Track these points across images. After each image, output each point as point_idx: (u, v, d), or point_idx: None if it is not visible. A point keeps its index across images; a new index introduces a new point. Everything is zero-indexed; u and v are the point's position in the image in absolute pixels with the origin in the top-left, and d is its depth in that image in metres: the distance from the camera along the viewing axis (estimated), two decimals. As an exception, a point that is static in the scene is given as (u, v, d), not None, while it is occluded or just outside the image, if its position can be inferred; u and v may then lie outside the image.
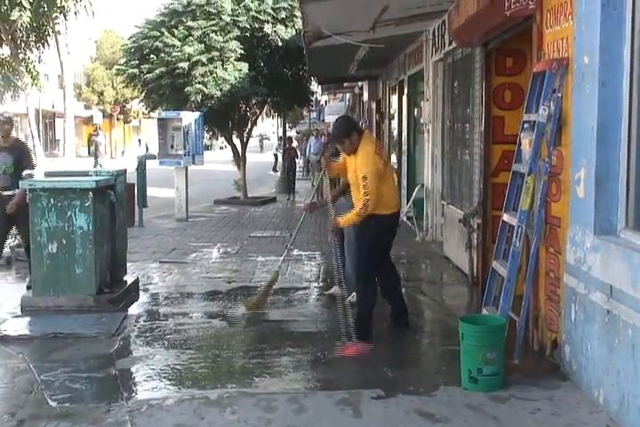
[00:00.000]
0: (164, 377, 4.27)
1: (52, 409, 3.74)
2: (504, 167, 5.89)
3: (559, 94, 4.16)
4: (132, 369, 4.45)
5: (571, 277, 3.96)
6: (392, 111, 14.13)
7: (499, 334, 3.99)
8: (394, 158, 13.70)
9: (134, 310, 5.89)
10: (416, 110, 11.25)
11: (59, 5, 9.36)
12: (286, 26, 13.88)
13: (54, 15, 9.66)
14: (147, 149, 38.62)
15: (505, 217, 4.76)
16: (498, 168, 6.17)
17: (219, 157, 31.26)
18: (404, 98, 12.18)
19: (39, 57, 10.23)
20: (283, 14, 13.86)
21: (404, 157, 12.06)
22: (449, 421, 3.52)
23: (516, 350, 4.30)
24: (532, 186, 4.36)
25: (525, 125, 4.59)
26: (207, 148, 21.00)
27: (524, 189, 4.40)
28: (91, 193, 5.75)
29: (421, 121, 9.96)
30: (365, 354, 4.59)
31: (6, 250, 8.10)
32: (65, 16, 9.70)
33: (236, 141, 15.46)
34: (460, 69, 7.77)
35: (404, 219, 9.82)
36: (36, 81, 10.39)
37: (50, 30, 9.86)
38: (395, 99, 13.63)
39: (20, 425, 3.55)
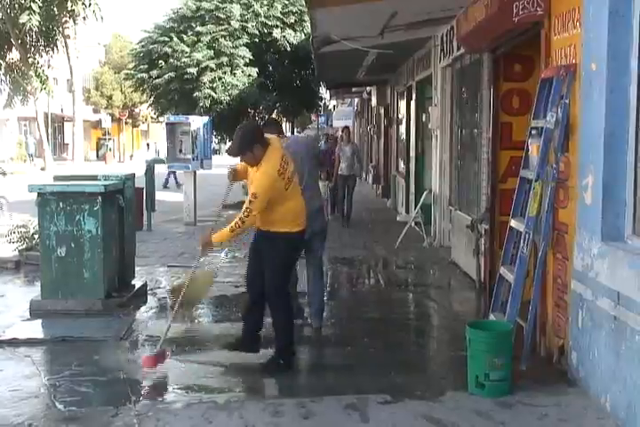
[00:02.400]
0: (172, 381, 4.30)
1: (60, 413, 3.76)
2: (512, 173, 5.88)
3: (567, 101, 4.17)
4: (140, 373, 4.46)
5: (578, 283, 3.96)
6: (400, 116, 14.14)
7: (506, 340, 3.99)
8: (401, 164, 13.73)
9: (142, 314, 5.91)
10: (424, 116, 11.25)
11: (68, 9, 9.41)
12: (295, 30, 13.95)
13: (64, 19, 9.72)
14: (157, 153, 38.79)
15: (512, 223, 4.76)
16: (505, 174, 6.17)
17: (227, 162, 31.30)
18: (413, 103, 12.19)
19: (48, 61, 10.28)
20: (292, 19, 13.94)
21: (412, 163, 12.06)
22: (456, 426, 3.52)
23: (523, 355, 4.30)
24: (540, 192, 4.36)
25: (533, 132, 4.59)
26: (215, 152, 21.03)
27: (531, 195, 4.40)
28: (99, 197, 5.78)
29: (429, 126, 9.96)
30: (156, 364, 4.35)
31: (15, 253, 8.18)
32: (74, 20, 9.77)
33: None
34: (468, 75, 7.78)
35: (412, 224, 9.82)
36: (45, 85, 10.46)
37: (59, 35, 9.91)
38: (403, 104, 13.64)
39: (28, 429, 3.58)
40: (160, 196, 11.55)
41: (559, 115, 4.20)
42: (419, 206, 9.95)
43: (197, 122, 12.25)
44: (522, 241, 4.44)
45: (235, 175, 4.70)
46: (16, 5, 8.84)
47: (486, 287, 6.32)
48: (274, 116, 16.52)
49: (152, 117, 39.28)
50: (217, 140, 17.55)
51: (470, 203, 7.50)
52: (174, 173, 19.70)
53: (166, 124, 12.81)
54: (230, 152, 4.47)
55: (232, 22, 13.38)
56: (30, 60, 9.59)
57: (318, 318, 5.48)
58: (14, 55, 10.12)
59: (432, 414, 3.66)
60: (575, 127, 4.10)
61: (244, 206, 4.31)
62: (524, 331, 4.37)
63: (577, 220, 4.02)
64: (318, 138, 27.16)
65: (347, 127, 13.25)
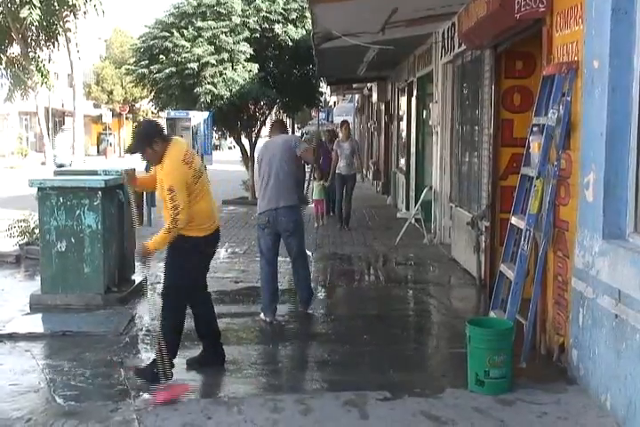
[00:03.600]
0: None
1: (59, 407, 3.77)
2: (513, 170, 5.88)
3: (568, 98, 4.16)
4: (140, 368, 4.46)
5: (579, 281, 3.96)
6: (401, 113, 14.12)
7: (506, 338, 3.99)
8: (402, 161, 13.71)
9: (142, 309, 5.91)
10: (425, 112, 11.24)
11: (69, 4, 9.39)
12: (297, 26, 13.89)
13: (64, 14, 9.68)
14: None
15: (513, 220, 4.76)
16: (506, 171, 6.17)
17: (227, 158, 31.31)
18: (413, 100, 12.17)
19: (49, 56, 10.27)
20: (293, 15, 13.87)
21: (413, 159, 12.05)
22: (455, 423, 3.52)
23: (523, 353, 4.30)
24: (541, 189, 4.35)
25: (534, 129, 4.58)
26: (216, 148, 21.03)
27: (532, 192, 4.40)
28: (100, 192, 5.78)
29: (430, 123, 9.95)
30: (181, 394, 3.92)
31: (15, 248, 8.18)
32: (75, 15, 9.72)
33: (245, 142, 15.48)
34: (469, 72, 7.76)
35: (412, 221, 9.82)
36: (45, 80, 10.43)
37: (60, 29, 9.89)
38: (404, 100, 13.62)
39: (27, 423, 3.58)
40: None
41: (561, 112, 4.19)
42: (419, 203, 9.94)
43: (198, 117, 12.24)
44: (522, 238, 4.43)
45: (131, 179, 4.36)
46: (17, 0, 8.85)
47: (486, 285, 6.32)
48: (274, 111, 16.48)
49: (152, 112, 39.23)
50: (217, 136, 17.54)
51: (471, 200, 7.49)
52: None
53: (167, 119, 12.80)
54: (129, 149, 4.25)
55: (233, 18, 13.33)
56: (31, 54, 9.57)
57: (306, 303, 5.85)
58: (15, 50, 10.11)
59: (431, 411, 3.67)
60: (577, 125, 4.09)
61: (168, 205, 4.00)
62: (525, 329, 4.37)
63: (578, 217, 4.01)
64: (319, 134, 27.03)
65: (345, 122, 12.04)
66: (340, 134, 11.78)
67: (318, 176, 11.16)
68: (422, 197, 9.84)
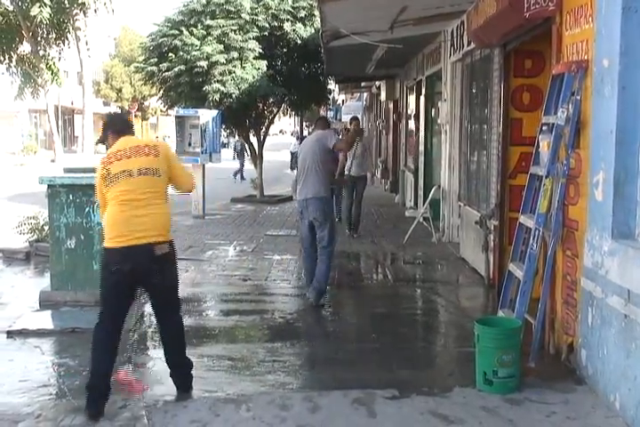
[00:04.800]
0: (180, 374, 4.31)
1: (69, 403, 3.80)
2: (522, 169, 5.87)
3: (578, 97, 4.15)
4: (148, 365, 4.51)
5: (588, 280, 3.95)
6: (409, 111, 14.10)
7: (514, 337, 3.99)
8: (410, 159, 13.69)
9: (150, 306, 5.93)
10: (433, 111, 11.22)
11: (79, 2, 9.43)
12: (305, 24, 13.89)
13: (74, 12, 9.72)
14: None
15: (522, 219, 4.75)
16: (515, 170, 6.15)
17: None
18: (422, 98, 12.14)
19: (59, 54, 10.32)
20: (302, 13, 13.88)
21: (421, 158, 12.03)
22: (463, 422, 3.52)
23: (532, 353, 4.29)
24: (550, 188, 4.35)
25: (544, 128, 4.57)
26: (224, 145, 21.05)
27: (541, 191, 4.39)
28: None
29: (439, 121, 9.93)
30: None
31: (25, 245, 8.23)
32: (85, 13, 9.77)
33: (253, 140, 15.50)
34: (478, 70, 7.75)
35: (421, 220, 9.81)
36: (56, 77, 10.48)
37: (70, 27, 9.93)
38: (412, 99, 13.60)
39: (37, 419, 3.61)
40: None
41: (570, 111, 4.18)
42: (427, 202, 9.93)
43: (206, 115, 12.26)
44: (531, 238, 4.42)
45: None
46: (27, -2, 8.94)
47: (495, 284, 6.31)
48: (282, 109, 16.45)
49: (161, 110, 39.31)
50: (226, 134, 17.55)
51: (479, 199, 7.48)
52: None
53: (176, 117, 12.83)
54: (98, 140, 4.23)
55: (242, 15, 13.35)
56: (41, 52, 9.63)
57: (317, 296, 5.99)
58: (25, 48, 10.17)
59: (439, 409, 3.67)
60: (586, 123, 4.07)
61: None
62: (533, 328, 4.36)
63: (588, 217, 4.00)
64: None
65: (355, 118, 10.93)
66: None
67: None
68: (431, 195, 9.83)
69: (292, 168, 25.28)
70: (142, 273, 3.75)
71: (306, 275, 6.41)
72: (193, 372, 4.04)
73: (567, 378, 4.07)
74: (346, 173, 9.91)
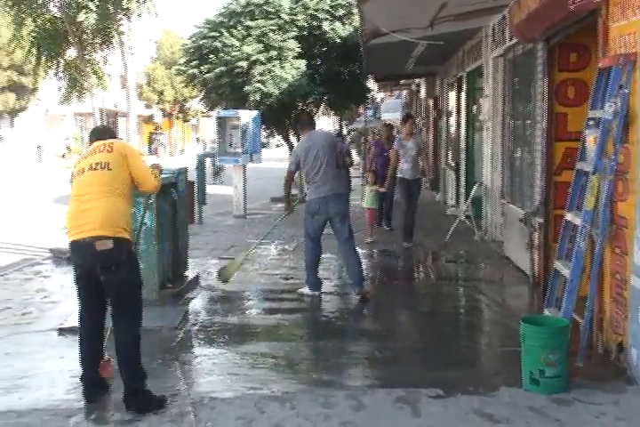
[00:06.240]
0: (225, 371, 4.37)
1: (116, 399, 3.86)
2: (567, 165, 5.76)
3: (626, 90, 4.05)
4: (194, 362, 4.56)
5: (638, 278, 3.86)
6: (450, 108, 13.97)
7: (561, 336, 3.91)
8: (451, 157, 13.56)
9: (195, 304, 6.02)
10: (475, 107, 11.10)
11: (123, 7, 9.63)
12: (344, 23, 13.90)
13: (118, 17, 9.92)
14: (204, 146, 39.31)
15: (568, 216, 4.66)
16: (560, 166, 6.04)
17: (275, 155, 31.54)
18: (463, 95, 12.02)
19: (105, 58, 10.56)
20: (340, 12, 13.89)
21: (462, 155, 11.91)
22: (510, 422, 3.48)
23: (580, 352, 4.21)
24: (597, 185, 4.26)
25: (590, 122, 4.48)
26: (263, 145, 21.20)
27: (588, 188, 4.30)
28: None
29: (480, 118, 9.81)
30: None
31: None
32: (129, 18, 9.95)
33: (293, 139, 15.57)
34: (520, 65, 7.63)
35: (463, 218, 9.71)
36: (101, 81, 10.72)
37: (114, 32, 10.14)
38: (453, 96, 13.48)
39: (87, 414, 3.70)
40: (210, 189, 11.70)
41: (618, 105, 4.08)
42: (469, 200, 9.83)
43: (247, 116, 12.36)
44: (578, 235, 4.34)
45: None
46: (74, 4, 9.10)
47: (540, 282, 6.21)
48: (321, 109, 16.50)
49: (202, 112, 39.73)
50: (266, 134, 17.67)
51: (523, 196, 7.37)
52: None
53: (217, 118, 12.97)
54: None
55: (281, 15, 13.43)
56: (87, 57, 9.86)
57: (358, 286, 6.17)
58: (72, 53, 10.45)
59: (485, 409, 3.63)
60: (635, 118, 3.98)
61: None
62: (581, 327, 4.28)
63: (637, 213, 3.90)
64: (365, 131, 26.75)
65: (410, 117, 9.70)
66: (403, 131, 9.37)
67: (371, 180, 9.56)
68: (473, 193, 9.72)
69: None
70: (90, 268, 3.72)
71: (313, 273, 6.27)
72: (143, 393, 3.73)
73: (617, 378, 3.99)
74: (399, 175, 8.98)
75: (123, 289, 3.79)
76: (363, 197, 9.69)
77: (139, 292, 3.91)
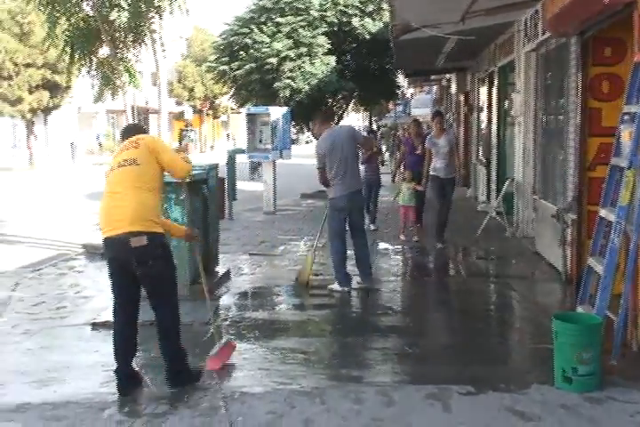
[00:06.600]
0: (255, 366, 4.40)
1: (151, 392, 3.93)
2: (601, 161, 5.68)
3: (663, 84, 3.98)
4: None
5: (674, 275, 3.79)
6: (481, 104, 13.84)
7: (595, 334, 3.86)
8: (482, 152, 13.44)
9: (226, 300, 6.07)
10: (506, 102, 10.97)
11: (155, 5, 9.71)
12: (374, 19, 13.86)
13: (150, 15, 10.01)
14: (234, 143, 39.56)
15: (602, 213, 4.60)
16: (594, 162, 5.96)
17: (305, 152, 31.58)
18: (494, 90, 11.90)
19: (137, 56, 10.66)
20: (370, 7, 13.85)
21: (494, 151, 11.80)
22: (542, 420, 3.45)
23: (614, 350, 4.15)
24: (633, 180, 4.19)
25: (625, 117, 4.41)
26: (293, 142, 21.28)
27: (623, 183, 4.23)
28: (185, 187, 5.93)
29: (512, 113, 9.70)
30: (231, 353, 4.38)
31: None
32: (160, 15, 10.04)
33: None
34: (553, 60, 7.53)
35: (494, 214, 9.62)
36: (133, 79, 10.83)
37: (146, 30, 10.24)
38: (484, 91, 13.35)
39: (120, 407, 3.76)
40: (240, 185, 11.77)
41: (654, 99, 4.01)
42: (500, 196, 9.74)
43: (276, 112, 12.40)
44: (612, 231, 4.28)
45: None
46: (106, 3, 9.22)
47: (572, 279, 6.14)
48: (351, 105, 16.47)
49: (232, 109, 39.98)
50: (295, 131, 17.71)
51: (556, 192, 7.28)
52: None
53: (246, 114, 13.03)
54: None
55: (311, 12, 13.44)
56: (119, 55, 9.98)
57: (369, 278, 6.35)
58: (104, 51, 10.58)
59: (517, 407, 3.60)
60: (672, 112, 3.90)
61: None
62: (615, 325, 4.22)
63: (673, 209, 3.83)
64: (395, 126, 26.54)
65: (439, 113, 9.55)
66: (433, 128, 9.16)
67: (408, 177, 9.17)
68: (504, 189, 9.63)
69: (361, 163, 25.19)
70: (125, 263, 3.85)
71: (343, 270, 6.29)
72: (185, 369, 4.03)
73: (652, 377, 3.93)
74: (432, 173, 8.66)
75: (159, 281, 3.94)
76: (398, 195, 9.48)
77: (174, 281, 4.04)
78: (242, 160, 11.94)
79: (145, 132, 4.40)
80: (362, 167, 7.51)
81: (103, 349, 4.74)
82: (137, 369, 4.07)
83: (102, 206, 3.95)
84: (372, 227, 9.74)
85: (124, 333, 4.02)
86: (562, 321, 3.90)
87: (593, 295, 4.50)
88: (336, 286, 6.28)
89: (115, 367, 4.00)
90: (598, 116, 5.92)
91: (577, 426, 3.41)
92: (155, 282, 3.91)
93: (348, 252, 6.43)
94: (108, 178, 4.00)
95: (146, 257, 3.80)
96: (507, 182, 9.60)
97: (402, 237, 9.04)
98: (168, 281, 3.98)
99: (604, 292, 4.22)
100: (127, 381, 3.96)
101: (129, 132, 4.32)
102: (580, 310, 4.64)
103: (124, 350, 4.01)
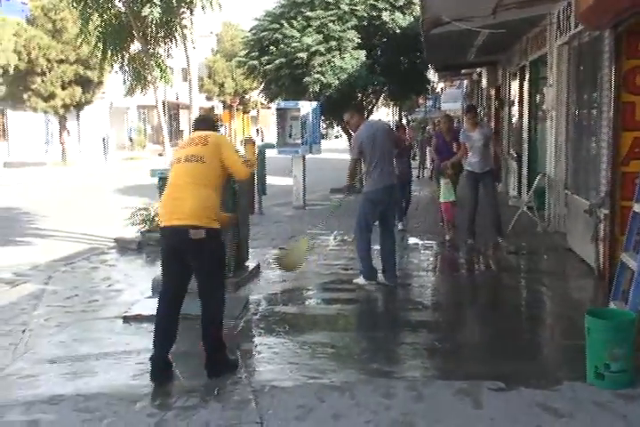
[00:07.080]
0: (285, 360, 4.43)
1: (181, 385, 3.98)
2: (635, 155, 5.59)
3: (700, 77, 3.89)
4: (255, 351, 4.65)
5: None
6: (512, 98, 13.69)
7: (628, 330, 3.81)
8: (512, 146, 13.28)
9: (256, 294, 6.11)
10: (538, 97, 10.83)
11: (187, 1, 9.79)
12: (404, 13, 13.77)
13: (181, 11, 10.09)
14: (262, 137, 39.60)
15: (636, 208, 4.53)
16: (628, 156, 5.84)
17: (334, 146, 31.56)
18: (525, 84, 11.76)
19: (168, 51, 10.76)
20: (400, 2, 13.76)
21: (525, 145, 11.67)
22: (573, 417, 3.42)
23: (647, 347, 4.09)
24: (668, 175, 4.11)
25: (661, 111, 4.33)
26: (323, 136, 21.30)
27: (658, 178, 4.16)
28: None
29: (544, 107, 9.58)
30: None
31: (137, 235, 8.67)
32: (191, 11, 10.10)
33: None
34: (586, 53, 7.41)
35: (525, 209, 9.52)
36: (164, 74, 10.93)
37: (177, 25, 10.32)
38: (515, 85, 13.19)
39: (152, 399, 3.81)
40: (270, 180, 11.81)
41: (691, 92, 3.93)
42: (532, 190, 9.63)
43: (306, 107, 12.40)
44: (647, 227, 4.21)
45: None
46: (138, -1, 9.40)
47: (605, 275, 6.05)
48: (381, 99, 16.38)
49: (262, 103, 40.07)
50: (325, 125, 17.69)
51: (588, 187, 7.18)
52: None
53: (277, 109, 13.06)
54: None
55: (341, 6, 13.40)
56: (150, 50, 10.09)
57: (393, 279, 6.26)
58: (135, 46, 10.70)
59: (548, 403, 3.58)
60: None
61: None
62: (648, 321, 4.15)
63: None
64: (425, 121, 26.32)
65: (472, 108, 9.18)
66: (465, 122, 8.87)
67: (448, 172, 8.75)
68: (535, 184, 9.52)
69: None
70: (181, 253, 4.01)
71: (369, 263, 6.28)
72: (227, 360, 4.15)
73: (687, 375, 3.86)
74: (467, 168, 8.46)
75: (210, 273, 4.09)
76: (437, 191, 9.13)
77: (224, 275, 4.29)
78: (271, 155, 11.96)
79: (216, 124, 4.57)
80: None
81: (134, 342, 4.82)
82: (171, 361, 4.13)
83: (165, 197, 4.11)
84: (400, 226, 9.20)
85: (167, 321, 4.13)
86: (595, 317, 3.86)
87: (626, 291, 4.44)
88: (361, 280, 6.28)
89: (150, 355, 4.08)
90: (632, 110, 5.81)
91: (609, 423, 3.38)
92: (206, 272, 4.06)
93: (375, 247, 6.42)
94: (173, 169, 4.15)
95: (203, 249, 3.96)
96: (538, 177, 9.49)
97: (447, 236, 8.62)
98: (219, 274, 4.16)
99: (638, 287, 4.16)
100: (160, 369, 4.04)
101: (201, 123, 4.45)
102: (612, 306, 4.58)
103: (164, 337, 4.10)
